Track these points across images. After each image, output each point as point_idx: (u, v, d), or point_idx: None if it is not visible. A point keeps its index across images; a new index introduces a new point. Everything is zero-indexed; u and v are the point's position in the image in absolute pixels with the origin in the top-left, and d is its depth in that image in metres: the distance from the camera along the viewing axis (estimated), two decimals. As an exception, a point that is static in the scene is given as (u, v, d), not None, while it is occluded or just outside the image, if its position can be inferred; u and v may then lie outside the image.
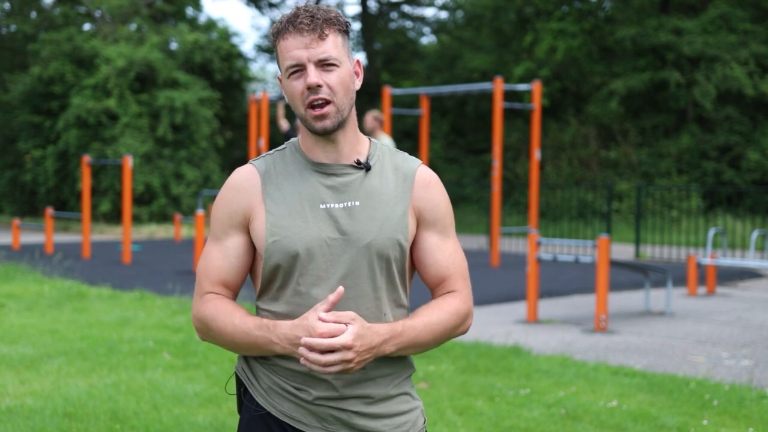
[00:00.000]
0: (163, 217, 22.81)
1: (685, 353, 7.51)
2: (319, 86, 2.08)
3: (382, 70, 33.02)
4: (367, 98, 29.38)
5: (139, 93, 23.20)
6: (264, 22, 67.20)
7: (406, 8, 34.25)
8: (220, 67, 25.48)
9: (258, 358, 2.18)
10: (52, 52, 23.81)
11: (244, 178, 2.19)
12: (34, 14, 27.11)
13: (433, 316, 2.15)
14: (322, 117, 2.10)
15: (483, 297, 9.94)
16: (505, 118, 22.70)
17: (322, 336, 1.98)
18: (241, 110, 28.84)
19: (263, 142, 16.36)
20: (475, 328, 8.20)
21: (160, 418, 5.24)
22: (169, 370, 6.45)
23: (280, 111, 14.26)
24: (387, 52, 34.11)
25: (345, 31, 2.15)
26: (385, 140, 12.66)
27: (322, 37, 2.09)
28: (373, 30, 33.10)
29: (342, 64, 2.12)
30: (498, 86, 13.81)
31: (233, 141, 29.55)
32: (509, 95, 23.55)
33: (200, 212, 13.13)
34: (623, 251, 16.31)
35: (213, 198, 23.40)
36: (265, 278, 2.16)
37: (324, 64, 2.10)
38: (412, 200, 2.18)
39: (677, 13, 24.87)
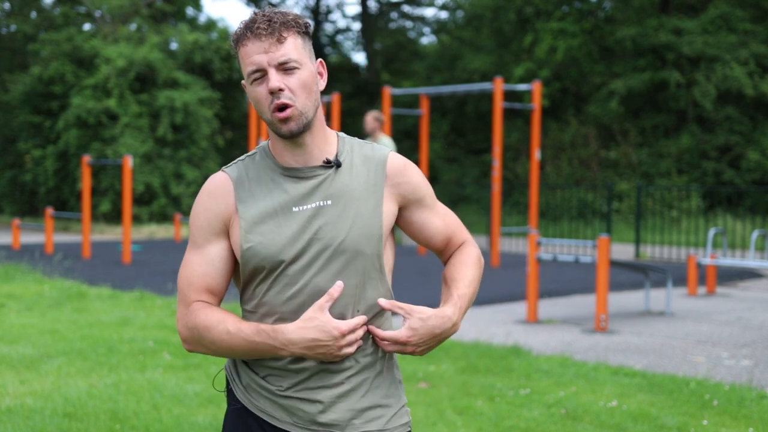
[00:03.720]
0: (163, 217, 22.81)
1: (685, 353, 7.51)
2: (281, 90, 2.10)
3: (382, 70, 33.03)
4: (367, 98, 29.41)
5: (139, 93, 23.20)
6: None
7: (406, 8, 34.25)
8: (220, 67, 25.47)
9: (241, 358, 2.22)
10: (52, 52, 23.81)
11: (218, 185, 2.21)
12: (34, 14, 27.11)
13: (468, 272, 2.26)
14: (287, 120, 2.11)
15: (483, 297, 9.94)
16: (505, 118, 22.69)
17: (347, 332, 2.07)
18: (241, 110, 28.84)
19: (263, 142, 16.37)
20: (475, 328, 8.21)
21: (160, 418, 5.24)
22: (169, 370, 6.45)
23: None
24: (387, 52, 34.12)
25: (305, 32, 2.16)
26: (385, 141, 12.65)
27: (280, 40, 2.10)
28: (373, 30, 33.10)
29: (303, 66, 2.13)
30: (498, 86, 13.81)
31: (233, 141, 29.54)
32: (509, 95, 23.55)
33: (200, 212, 13.13)
34: (623, 251, 16.31)
35: (213, 198, 23.36)
36: (244, 282, 2.20)
37: (285, 68, 2.10)
38: (391, 188, 2.22)
39: (677, 13, 24.88)
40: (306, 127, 2.14)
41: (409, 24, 34.98)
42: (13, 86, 24.96)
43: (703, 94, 22.51)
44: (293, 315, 2.12)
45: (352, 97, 30.39)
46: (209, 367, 6.54)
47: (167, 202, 22.83)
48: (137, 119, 22.63)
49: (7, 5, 27.69)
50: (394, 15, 34.71)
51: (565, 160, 24.81)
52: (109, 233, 20.85)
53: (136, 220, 22.01)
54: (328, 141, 2.22)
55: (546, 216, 20.11)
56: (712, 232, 13.19)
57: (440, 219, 2.31)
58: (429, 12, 46.91)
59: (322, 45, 35.43)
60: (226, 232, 2.19)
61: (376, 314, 2.19)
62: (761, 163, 22.10)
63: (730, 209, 19.22)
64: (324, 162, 2.18)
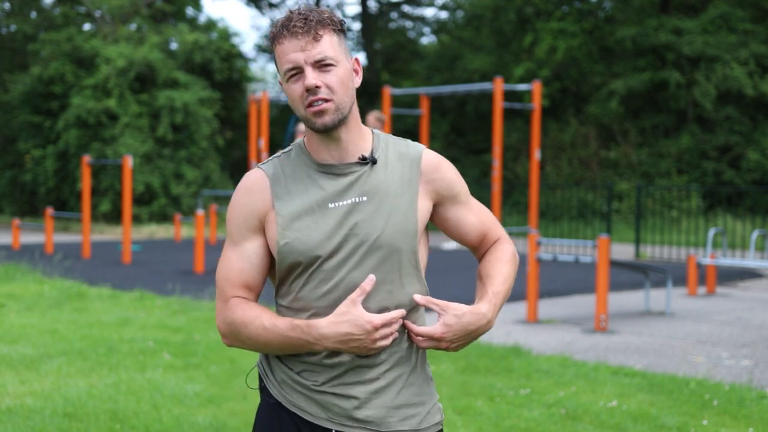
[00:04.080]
0: (163, 217, 22.81)
1: (685, 353, 7.51)
2: (318, 87, 2.11)
3: (382, 70, 33.02)
4: (367, 98, 29.40)
5: (139, 93, 23.20)
6: (264, 22, 67.12)
7: (406, 8, 34.25)
8: (220, 67, 25.48)
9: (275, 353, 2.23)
10: (52, 52, 23.81)
11: (254, 182, 2.23)
12: (34, 14, 27.11)
13: (503, 269, 2.31)
14: (321, 113, 2.12)
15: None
16: (505, 118, 22.70)
17: (380, 326, 2.07)
18: (241, 110, 28.83)
19: (263, 142, 16.36)
20: (475, 328, 8.19)
21: (160, 418, 5.24)
22: (169, 370, 6.45)
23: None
24: (387, 52, 34.11)
25: (340, 30, 2.17)
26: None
27: (316, 38, 2.11)
28: (373, 30, 33.10)
29: (339, 63, 2.14)
30: (498, 86, 13.81)
31: (233, 141, 29.54)
32: (509, 95, 23.55)
33: (200, 212, 13.13)
34: (623, 251, 16.31)
35: (213, 198, 23.43)
36: (280, 277, 2.21)
37: (321, 65, 2.12)
38: (426, 185, 2.23)
39: (677, 13, 24.87)
40: (341, 122, 2.15)
41: (409, 24, 34.99)
42: (13, 86, 24.96)
43: (703, 94, 22.51)
44: (328, 310, 2.14)
45: (351, 97, 30.36)
46: (209, 367, 6.55)
47: (167, 202, 22.83)
48: (137, 119, 22.63)
49: (7, 5, 27.69)
50: (394, 15, 34.70)
51: (565, 160, 24.80)
52: (109, 233, 20.85)
53: (136, 220, 22.01)
54: (363, 138, 2.23)
55: (546, 216, 20.11)
56: (712, 232, 13.19)
57: (475, 215, 2.32)
58: (429, 12, 46.93)
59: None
60: (261, 229, 2.21)
61: (411, 310, 2.20)
62: (761, 163, 22.09)
63: (730, 209, 19.21)
64: (359, 158, 2.19)
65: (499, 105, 13.75)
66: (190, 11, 28.93)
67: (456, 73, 27.60)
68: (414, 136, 24.91)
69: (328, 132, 2.15)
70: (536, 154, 14.12)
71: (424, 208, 2.22)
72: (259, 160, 16.43)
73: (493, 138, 13.97)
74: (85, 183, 15.40)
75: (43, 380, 6.10)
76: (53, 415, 5.25)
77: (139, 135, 22.45)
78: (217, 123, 24.70)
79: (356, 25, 34.33)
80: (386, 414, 2.18)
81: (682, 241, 16.61)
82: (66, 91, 23.24)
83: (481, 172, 25.98)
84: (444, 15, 34.16)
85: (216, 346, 7.24)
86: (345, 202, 2.16)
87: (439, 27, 33.53)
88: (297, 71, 2.13)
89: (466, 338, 2.15)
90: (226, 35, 27.68)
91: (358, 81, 2.21)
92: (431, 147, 23.68)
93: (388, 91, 15.59)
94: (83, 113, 22.17)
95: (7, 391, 5.82)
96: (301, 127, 14.17)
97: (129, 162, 14.28)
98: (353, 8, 52.47)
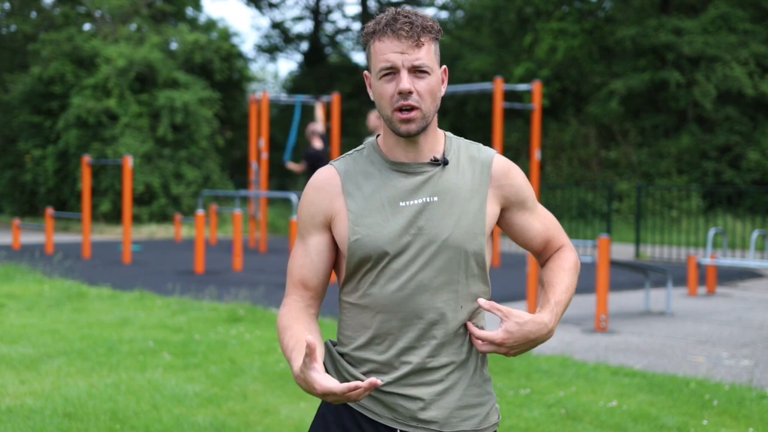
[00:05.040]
0: (163, 217, 22.81)
1: (685, 353, 7.51)
2: (410, 93, 2.14)
3: (382, 70, 32.99)
4: (367, 98, 29.35)
5: (139, 93, 23.20)
6: (264, 22, 67.19)
7: (406, 8, 34.21)
8: (220, 67, 25.48)
9: (336, 350, 2.26)
10: (52, 52, 23.81)
11: (325, 178, 2.26)
12: (34, 14, 27.11)
13: (566, 278, 2.29)
14: (408, 121, 2.15)
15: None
16: (505, 118, 22.69)
17: (320, 394, 2.02)
18: (241, 110, 28.84)
19: (263, 142, 16.36)
20: (475, 328, 8.19)
21: (160, 418, 5.24)
22: (169, 370, 6.45)
23: (320, 113, 14.22)
24: (387, 52, 34.06)
25: (437, 39, 2.24)
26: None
27: (418, 44, 2.17)
28: (373, 30, 33.07)
29: (433, 72, 2.19)
30: (498, 86, 13.80)
31: (233, 141, 29.55)
32: (509, 95, 23.55)
33: (200, 212, 13.13)
34: (623, 251, 16.31)
35: (213, 198, 23.45)
36: (348, 274, 2.23)
37: (417, 71, 2.16)
38: (495, 189, 2.25)
39: (677, 13, 24.87)
40: (423, 130, 2.18)
41: (409, 24, 34.94)
42: (13, 86, 24.96)
43: (703, 94, 22.51)
44: (396, 308, 2.16)
45: (352, 97, 30.38)
46: (209, 367, 6.55)
47: (167, 202, 22.83)
48: (137, 119, 22.63)
49: (7, 5, 27.69)
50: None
51: (565, 160, 24.81)
52: (109, 233, 20.85)
53: (136, 220, 22.00)
54: (437, 140, 2.26)
55: (546, 216, 20.09)
56: (712, 232, 13.19)
57: (540, 222, 2.34)
58: (429, 12, 46.90)
59: (322, 45, 35.43)
60: (327, 226, 2.24)
61: (475, 311, 2.22)
62: (761, 163, 22.10)
63: (730, 209, 19.21)
64: (432, 159, 2.22)
65: (499, 105, 13.74)
66: (190, 11, 28.94)
67: (456, 73, 27.61)
68: (414, 136, 24.90)
69: (410, 137, 2.19)
70: (536, 154, 14.12)
71: (492, 212, 2.24)
72: (259, 160, 16.43)
73: (493, 138, 13.97)
74: (85, 183, 15.40)
75: (43, 380, 6.10)
76: (53, 415, 5.25)
77: (139, 135, 22.45)
78: (217, 123, 24.70)
79: (356, 25, 34.35)
80: (449, 415, 2.21)
81: (682, 241, 16.61)
82: (66, 91, 23.24)
83: (481, 172, 25.98)
84: (444, 15, 34.18)
85: (216, 346, 7.24)
86: (416, 201, 2.18)
87: (439, 27, 33.50)
88: (392, 72, 2.16)
89: (525, 345, 2.17)
90: (226, 35, 27.69)
91: (443, 90, 2.26)
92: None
93: (388, 91, 15.55)
94: (83, 113, 22.17)
95: (7, 391, 5.82)
96: (317, 127, 14.15)
97: (129, 162, 14.28)
98: (353, 8, 52.50)
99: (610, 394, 5.91)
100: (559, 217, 19.86)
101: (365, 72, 2.26)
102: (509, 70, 25.54)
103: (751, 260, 12.63)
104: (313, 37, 35.56)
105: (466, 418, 2.23)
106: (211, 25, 28.60)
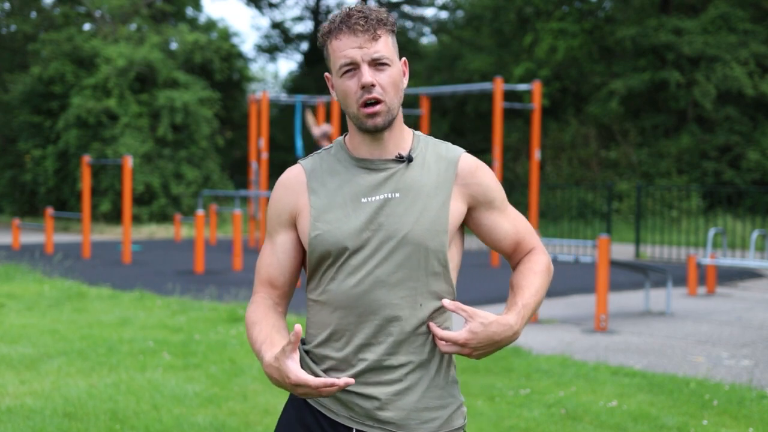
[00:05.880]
0: (163, 217, 22.82)
1: (685, 353, 7.51)
2: (373, 85, 2.15)
3: (382, 70, 33.00)
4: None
5: (139, 93, 23.21)
6: (264, 22, 67.21)
7: (406, 8, 34.25)
8: (220, 67, 25.48)
9: (301, 347, 2.25)
10: (52, 52, 23.82)
11: (292, 176, 2.28)
12: (34, 14, 27.11)
13: (536, 281, 2.26)
14: (374, 115, 2.16)
15: (483, 297, 9.95)
16: (505, 118, 22.70)
17: (294, 384, 2.04)
18: (241, 110, 28.84)
19: (263, 142, 16.36)
20: (475, 328, 8.19)
21: (160, 418, 5.24)
22: (169, 370, 6.45)
23: (310, 119, 14.24)
24: (387, 52, 34.08)
25: (393, 31, 2.23)
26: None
27: (375, 37, 2.16)
28: (373, 30, 33.07)
29: (393, 64, 2.19)
30: (498, 86, 13.81)
31: (233, 141, 29.55)
32: (509, 95, 23.55)
33: (200, 212, 13.13)
34: (623, 251, 16.31)
35: (213, 198, 23.45)
36: (311, 270, 2.24)
37: (377, 64, 2.16)
38: (461, 187, 2.24)
39: (677, 13, 24.87)
40: (389, 123, 2.19)
41: (409, 24, 34.98)
42: (13, 86, 24.97)
43: (703, 94, 22.51)
44: (353, 304, 2.16)
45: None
46: (209, 367, 6.55)
47: (167, 202, 22.83)
48: (137, 119, 22.63)
49: (7, 5, 27.70)
50: (394, 15, 34.72)
51: (565, 160, 24.81)
52: (109, 233, 20.85)
53: (136, 220, 22.01)
54: (404, 138, 2.26)
55: (546, 216, 20.11)
56: (712, 232, 13.19)
57: (510, 223, 2.31)
58: (429, 12, 46.93)
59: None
60: (293, 224, 2.25)
61: (438, 311, 2.20)
62: (761, 163, 22.10)
63: (730, 209, 19.22)
64: (396, 156, 2.22)
65: (499, 105, 13.75)
66: (190, 11, 28.94)
67: (456, 73, 27.62)
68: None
69: (376, 132, 2.19)
70: (536, 154, 14.12)
71: (456, 210, 2.23)
72: (259, 160, 16.44)
73: (493, 138, 13.97)
74: (85, 183, 15.40)
75: (43, 380, 6.10)
76: (53, 415, 5.25)
77: (139, 135, 22.46)
78: (217, 123, 24.71)
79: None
80: (407, 416, 2.19)
81: (682, 241, 16.61)
82: (66, 91, 23.25)
83: (481, 172, 25.98)
84: (444, 15, 34.21)
85: (216, 346, 7.24)
86: (377, 197, 2.19)
87: (439, 27, 33.53)
88: (352, 68, 2.16)
89: (490, 347, 2.14)
90: (226, 35, 27.69)
91: (405, 82, 2.25)
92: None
93: (388, 91, 15.55)
94: (83, 113, 22.17)
95: (7, 391, 5.82)
96: (327, 128, 14.17)
97: (129, 162, 14.28)
98: (353, 8, 52.35)
99: (610, 394, 5.91)
100: (559, 217, 19.88)
101: (326, 74, 2.25)
102: (509, 70, 25.54)
103: (751, 260, 12.63)
104: (313, 37, 35.59)
105: (425, 420, 2.20)
106: (211, 25, 28.60)
